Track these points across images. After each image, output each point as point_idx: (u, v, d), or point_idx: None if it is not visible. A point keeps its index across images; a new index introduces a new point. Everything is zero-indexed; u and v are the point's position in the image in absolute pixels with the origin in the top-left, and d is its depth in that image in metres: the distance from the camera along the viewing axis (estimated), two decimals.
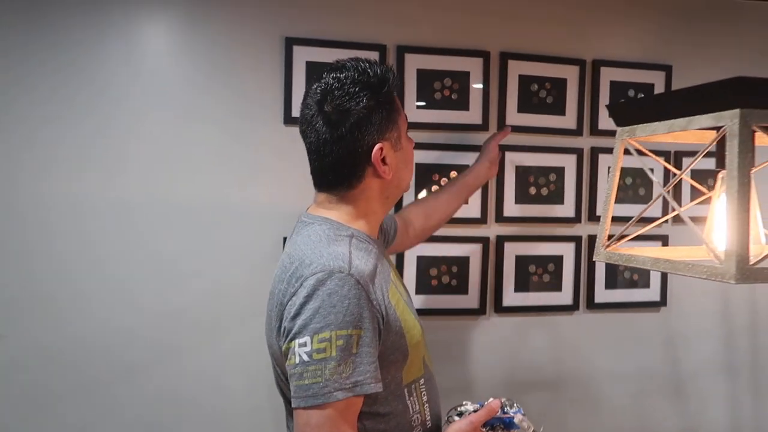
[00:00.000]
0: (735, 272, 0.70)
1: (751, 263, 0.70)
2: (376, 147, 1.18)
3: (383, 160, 1.20)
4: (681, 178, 1.25)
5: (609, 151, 2.16)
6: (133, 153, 1.85)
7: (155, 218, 1.86)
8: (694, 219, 0.84)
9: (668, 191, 0.83)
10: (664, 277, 2.26)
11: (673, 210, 0.86)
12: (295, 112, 1.91)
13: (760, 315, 2.39)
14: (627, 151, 0.91)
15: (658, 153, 1.94)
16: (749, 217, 0.71)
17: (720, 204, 0.85)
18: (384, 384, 1.15)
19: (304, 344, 1.07)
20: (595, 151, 2.18)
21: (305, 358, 1.07)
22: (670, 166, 1.07)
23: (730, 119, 0.73)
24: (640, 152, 0.91)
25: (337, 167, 1.20)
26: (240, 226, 1.92)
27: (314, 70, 1.92)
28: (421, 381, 1.26)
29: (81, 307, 1.82)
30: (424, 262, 2.04)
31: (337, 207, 1.24)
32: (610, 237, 0.93)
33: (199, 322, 1.89)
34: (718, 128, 0.79)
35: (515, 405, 1.26)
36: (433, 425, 1.28)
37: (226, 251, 1.91)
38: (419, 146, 1.87)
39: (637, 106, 0.89)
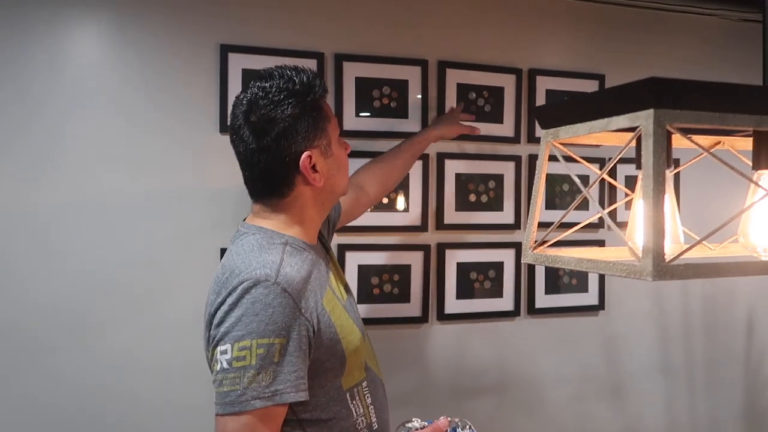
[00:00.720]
0: (651, 269, 0.71)
1: (667, 261, 0.72)
2: (304, 155, 1.18)
3: (313, 168, 1.20)
4: (614, 184, 1.28)
5: None
6: (58, 154, 1.78)
7: (84, 221, 1.80)
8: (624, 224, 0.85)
9: (590, 191, 0.84)
10: (601, 281, 2.31)
11: (601, 212, 0.87)
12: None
13: (693, 317, 2.47)
14: (553, 158, 0.93)
15: (593, 161, 1.99)
16: (664, 215, 0.72)
17: (640, 204, 0.86)
18: (323, 391, 1.17)
19: (225, 351, 1.07)
20: (532, 158, 2.22)
21: (225, 365, 1.07)
22: (591, 166, 1.08)
23: (644, 119, 0.74)
24: (567, 157, 0.92)
25: (267, 177, 1.20)
26: (175, 235, 1.86)
27: (250, 77, 1.88)
28: (364, 384, 1.25)
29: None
30: (364, 271, 2.02)
31: (272, 216, 1.23)
32: (544, 241, 0.94)
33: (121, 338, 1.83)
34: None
35: (468, 426, 1.24)
36: (380, 428, 1.28)
37: (158, 261, 1.85)
38: (359, 154, 1.87)
39: (560, 109, 0.90)
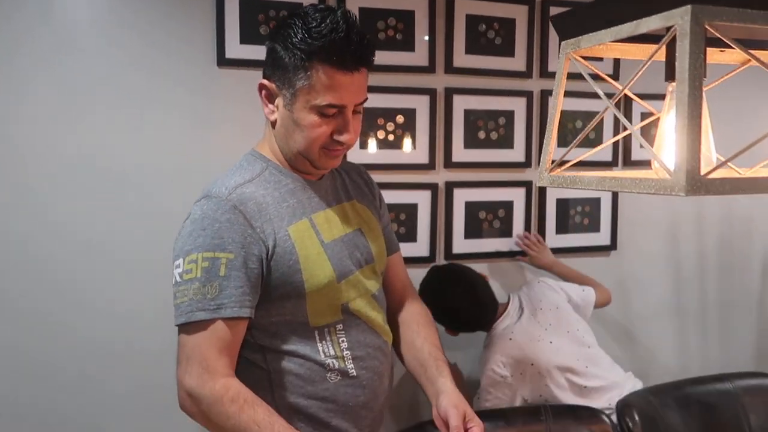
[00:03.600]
0: (685, 184, 0.64)
1: (703, 173, 0.65)
2: (261, 81, 1.20)
3: (267, 98, 1.20)
4: (637, 100, 1.20)
5: None
6: (48, 96, 1.70)
7: (85, 165, 1.74)
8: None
9: (615, 104, 0.76)
10: (614, 221, 2.25)
11: (624, 130, 0.79)
12: (230, 53, 1.81)
13: (707, 258, 2.41)
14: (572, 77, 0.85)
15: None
16: (701, 125, 0.65)
17: (670, 119, 0.79)
18: (284, 321, 1.18)
19: (178, 266, 1.13)
20: (545, 94, 2.13)
21: (177, 278, 1.12)
22: (612, 82, 0.99)
23: (680, 17, 0.66)
24: (595, 76, 0.84)
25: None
26: (172, 176, 1.80)
27: (248, 9, 1.80)
28: (339, 327, 1.22)
29: None
30: None
31: (264, 140, 1.28)
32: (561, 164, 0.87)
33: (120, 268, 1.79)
34: (667, 43, 0.72)
35: None
36: (361, 379, 1.23)
37: (154, 199, 1.79)
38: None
39: (582, 14, 0.82)
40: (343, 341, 1.22)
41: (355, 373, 1.22)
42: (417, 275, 2.03)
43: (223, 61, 1.80)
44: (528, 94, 2.11)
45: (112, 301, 1.77)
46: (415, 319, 1.39)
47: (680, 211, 2.36)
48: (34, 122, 1.70)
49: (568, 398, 1.72)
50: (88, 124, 1.73)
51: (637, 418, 1.62)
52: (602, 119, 2.12)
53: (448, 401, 1.20)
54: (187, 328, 1.11)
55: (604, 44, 0.81)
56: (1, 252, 1.70)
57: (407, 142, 2.00)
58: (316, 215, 1.23)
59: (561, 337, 1.81)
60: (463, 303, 1.82)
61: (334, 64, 1.12)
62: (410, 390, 2.00)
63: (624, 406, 1.65)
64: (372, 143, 1.96)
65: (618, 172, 0.95)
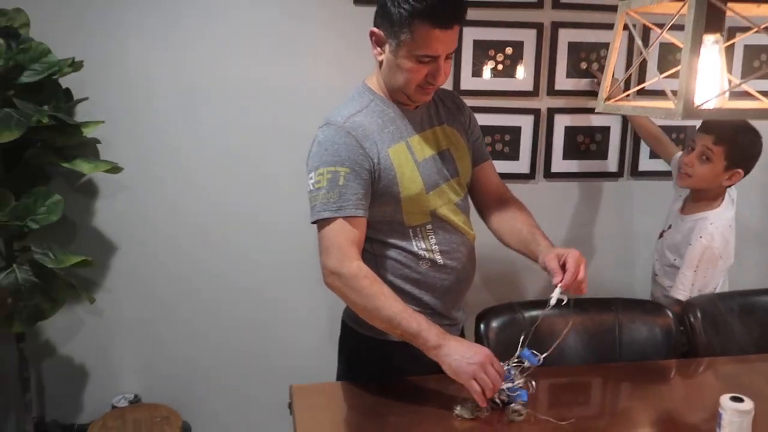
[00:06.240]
0: (681, 111, 0.93)
1: (696, 105, 0.93)
2: (372, 29, 1.44)
3: (376, 42, 1.45)
4: (673, 41, 1.43)
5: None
6: (208, 36, 2.13)
7: (223, 100, 2.18)
8: None
9: (648, 50, 1.04)
10: None
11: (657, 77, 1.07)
12: None
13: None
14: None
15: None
16: (697, 60, 0.91)
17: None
18: (383, 216, 1.48)
19: (310, 178, 1.45)
20: (646, 30, 2.30)
21: (310, 187, 1.44)
22: (674, 39, 1.24)
23: None
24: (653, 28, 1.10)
25: None
26: (307, 108, 2.16)
27: None
28: (428, 227, 1.52)
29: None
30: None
31: (373, 74, 1.54)
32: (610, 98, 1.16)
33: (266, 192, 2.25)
34: None
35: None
36: (448, 267, 1.54)
37: (290, 134, 2.19)
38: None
39: None
40: (431, 238, 1.52)
41: (442, 263, 1.54)
42: (518, 190, 2.33)
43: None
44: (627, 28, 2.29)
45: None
46: (512, 209, 1.65)
47: None
48: (211, 58, 2.15)
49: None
50: (250, 60, 2.16)
51: (699, 316, 1.87)
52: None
53: (543, 256, 1.46)
54: (321, 225, 1.42)
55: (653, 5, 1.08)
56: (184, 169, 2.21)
57: (514, 71, 2.27)
58: (412, 138, 1.51)
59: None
60: None
61: (433, 22, 1.33)
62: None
63: (689, 304, 1.91)
64: (484, 71, 2.26)
65: (652, 103, 1.22)
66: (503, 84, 2.28)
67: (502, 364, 1.35)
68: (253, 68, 2.17)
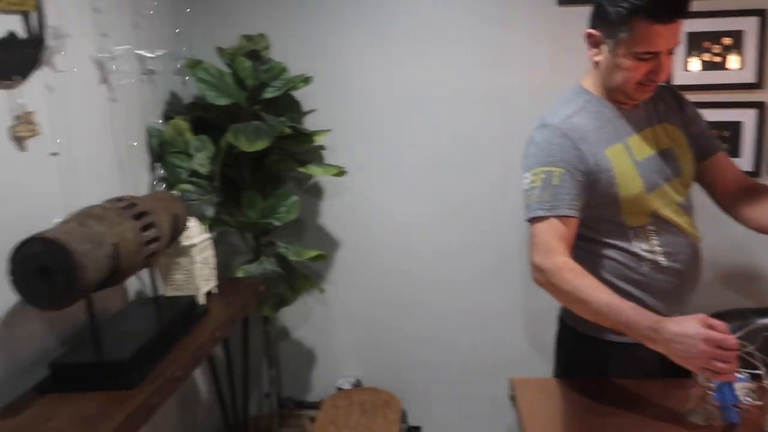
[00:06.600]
0: None
1: None
2: (589, 30, 1.45)
3: (593, 44, 1.46)
4: None
5: None
6: (419, 50, 2.31)
7: (435, 108, 2.34)
8: None
9: None
10: None
11: None
12: None
13: None
14: None
15: None
16: None
17: None
18: (601, 218, 1.49)
19: (525, 177, 1.48)
20: None
21: (525, 187, 1.48)
22: None
23: None
24: None
25: None
26: (516, 112, 2.24)
27: None
28: (650, 228, 1.49)
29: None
30: None
31: (588, 75, 1.55)
32: None
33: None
34: None
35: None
36: (672, 269, 1.50)
37: (498, 138, 2.29)
38: None
39: None
40: (654, 239, 1.49)
41: (665, 264, 1.49)
42: None
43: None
44: None
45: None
46: (759, 193, 1.56)
47: None
48: (422, 70, 2.33)
49: None
50: (458, 68, 2.31)
51: None
52: None
53: None
54: (534, 223, 1.44)
55: None
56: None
57: (733, 62, 2.15)
58: (630, 138, 1.49)
59: None
60: None
61: (654, 18, 1.31)
62: None
63: None
64: (697, 64, 2.16)
65: None
66: (719, 77, 2.16)
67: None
68: (462, 76, 2.31)
